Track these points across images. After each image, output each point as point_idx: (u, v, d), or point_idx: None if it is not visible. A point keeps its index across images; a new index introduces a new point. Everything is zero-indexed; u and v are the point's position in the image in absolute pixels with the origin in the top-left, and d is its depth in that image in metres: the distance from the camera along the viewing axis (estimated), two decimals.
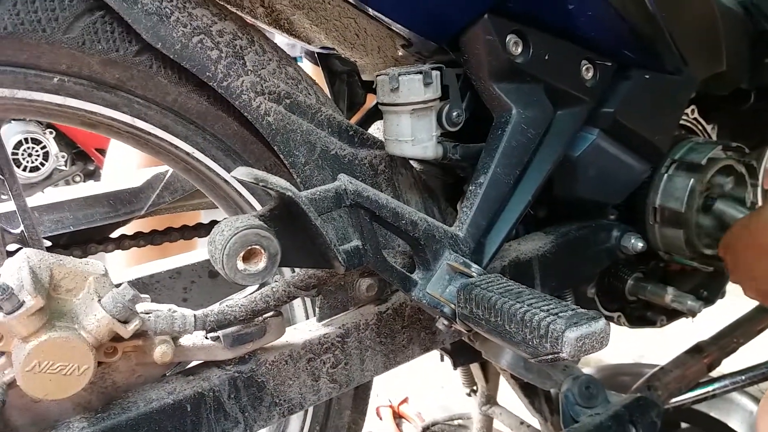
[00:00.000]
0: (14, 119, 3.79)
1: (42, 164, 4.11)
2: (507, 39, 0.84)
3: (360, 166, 0.89)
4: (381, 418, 2.20)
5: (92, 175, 4.45)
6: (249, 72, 0.79)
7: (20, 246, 0.93)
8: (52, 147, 4.13)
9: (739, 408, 1.69)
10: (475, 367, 1.64)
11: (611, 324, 1.14)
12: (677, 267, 1.23)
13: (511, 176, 0.88)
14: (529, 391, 1.44)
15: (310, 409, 1.00)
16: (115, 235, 1.28)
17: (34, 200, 1.17)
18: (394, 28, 0.83)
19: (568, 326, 0.64)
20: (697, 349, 1.30)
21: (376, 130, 1.17)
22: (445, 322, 0.81)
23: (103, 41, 0.73)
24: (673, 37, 0.96)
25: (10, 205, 0.96)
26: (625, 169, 1.04)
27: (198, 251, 1.48)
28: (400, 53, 0.92)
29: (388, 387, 2.27)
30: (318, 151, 0.84)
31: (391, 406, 2.22)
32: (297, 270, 0.85)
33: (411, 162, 0.96)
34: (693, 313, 1.14)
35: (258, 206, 0.91)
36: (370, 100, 1.27)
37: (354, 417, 1.05)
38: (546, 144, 0.90)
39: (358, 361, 0.89)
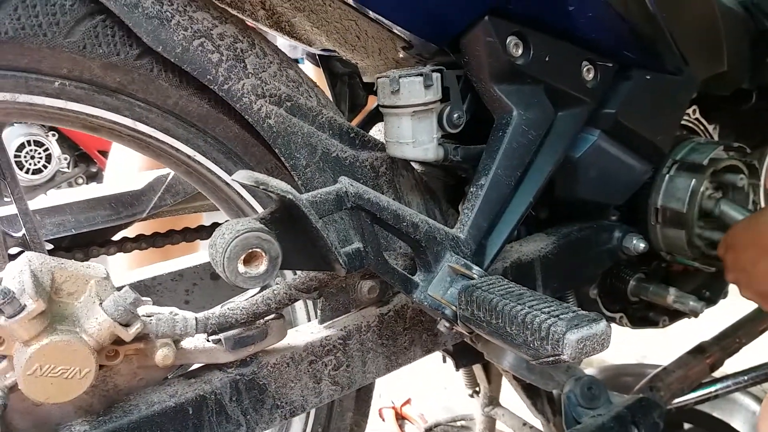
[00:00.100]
0: (16, 122, 3.80)
1: (45, 166, 4.11)
2: (507, 40, 0.84)
3: (361, 168, 0.89)
4: (384, 420, 2.19)
5: (95, 177, 4.45)
6: (250, 75, 0.80)
7: (22, 249, 0.93)
8: (55, 149, 4.14)
9: (741, 408, 1.69)
10: (477, 369, 1.64)
11: (613, 324, 1.14)
12: (679, 267, 1.23)
13: (512, 178, 0.88)
14: (531, 392, 1.44)
15: (312, 411, 1.00)
16: (117, 237, 1.28)
17: (35, 203, 1.18)
18: (394, 31, 0.83)
19: (569, 328, 0.64)
20: (699, 350, 1.30)
21: (377, 132, 1.17)
22: (447, 324, 0.81)
23: (103, 45, 0.74)
24: (674, 38, 0.96)
25: (11, 209, 0.96)
26: (626, 170, 1.04)
27: (200, 253, 1.48)
28: (400, 55, 0.92)
29: (390, 388, 2.27)
30: (319, 153, 0.84)
31: (393, 408, 2.22)
32: (298, 272, 0.85)
33: (412, 164, 0.96)
34: (695, 314, 1.14)
35: (259, 208, 0.91)
36: (372, 102, 1.27)
37: (356, 419, 1.05)
38: (547, 145, 0.90)
39: (360, 363, 0.89)
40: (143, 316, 0.71)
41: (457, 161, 0.89)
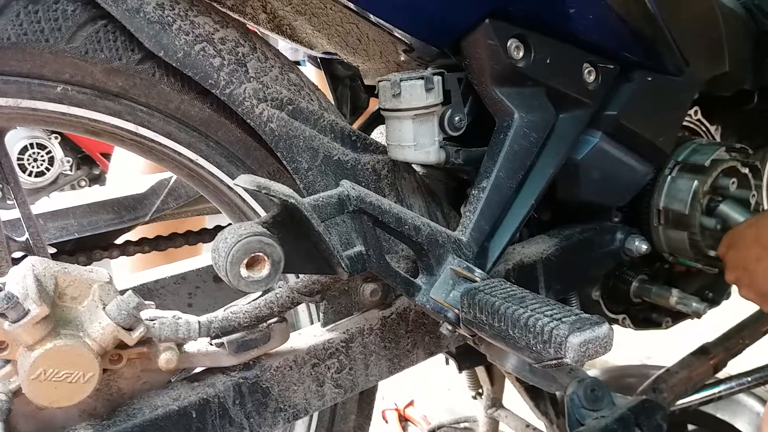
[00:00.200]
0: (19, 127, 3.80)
1: (47, 169, 4.12)
2: (508, 43, 0.84)
3: (363, 172, 0.89)
4: (387, 422, 2.20)
5: (97, 179, 4.46)
6: (251, 79, 0.80)
7: (25, 253, 0.93)
8: (57, 152, 4.15)
9: (745, 409, 1.68)
10: (480, 370, 1.64)
11: (616, 326, 1.14)
12: (682, 268, 1.23)
13: (513, 180, 0.88)
14: (534, 393, 1.44)
15: (315, 414, 1.00)
16: (119, 241, 1.29)
17: (38, 207, 1.18)
18: (395, 34, 0.84)
19: (572, 331, 0.64)
20: (703, 351, 1.29)
21: (378, 134, 1.17)
22: (449, 327, 0.81)
23: (105, 50, 0.74)
24: (675, 39, 0.96)
25: (14, 213, 0.96)
26: (628, 172, 1.04)
27: (202, 256, 1.48)
28: (402, 58, 0.92)
29: (393, 390, 2.27)
30: (321, 156, 0.85)
31: (396, 409, 2.22)
32: (300, 276, 0.85)
33: (414, 166, 0.96)
34: (698, 315, 1.13)
35: (261, 211, 0.91)
36: (373, 105, 1.27)
37: (359, 421, 1.05)
38: (549, 147, 0.90)
39: (363, 366, 0.89)
40: (146, 320, 0.72)
41: (459, 164, 0.89)
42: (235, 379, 0.79)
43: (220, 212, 1.01)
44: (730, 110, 1.25)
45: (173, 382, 0.79)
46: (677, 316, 1.24)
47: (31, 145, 4.04)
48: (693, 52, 1.00)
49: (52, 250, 1.12)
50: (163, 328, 0.73)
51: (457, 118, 0.87)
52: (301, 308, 1.00)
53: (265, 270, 0.65)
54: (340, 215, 0.72)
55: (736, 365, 1.33)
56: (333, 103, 1.07)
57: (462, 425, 2.07)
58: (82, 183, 4.45)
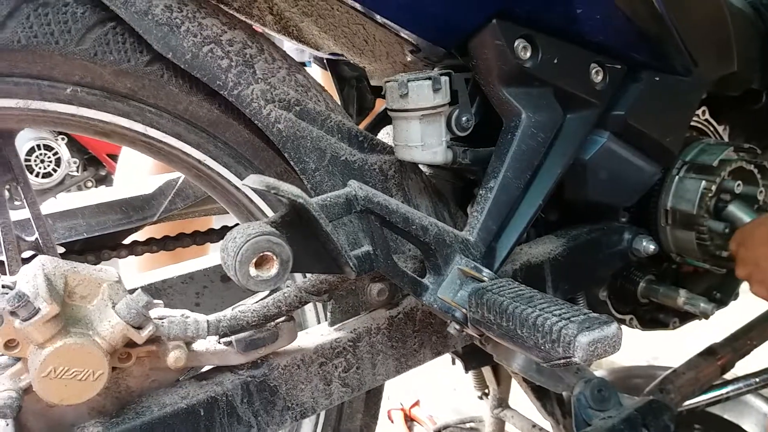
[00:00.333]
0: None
1: (54, 170, 4.14)
2: (515, 44, 0.84)
3: (370, 172, 0.89)
4: (392, 421, 2.20)
5: (104, 180, 4.48)
6: (259, 80, 0.80)
7: (35, 253, 0.94)
8: (64, 153, 4.16)
9: (752, 410, 1.68)
10: (486, 370, 1.63)
11: (623, 326, 1.14)
12: (689, 269, 1.23)
13: (521, 180, 0.88)
14: (541, 394, 1.44)
15: (322, 413, 1.00)
16: (128, 241, 1.29)
17: (47, 208, 1.19)
18: (402, 35, 0.84)
19: (580, 331, 0.65)
20: (710, 351, 1.29)
21: (385, 135, 1.17)
22: (457, 327, 0.81)
23: (114, 52, 0.74)
24: (683, 39, 0.96)
25: (24, 213, 0.97)
26: (636, 172, 1.04)
27: (210, 256, 1.49)
28: (408, 59, 0.92)
29: (399, 390, 2.27)
30: (328, 157, 0.85)
31: (402, 409, 2.22)
32: (308, 275, 0.86)
33: (420, 167, 0.97)
34: (706, 315, 1.13)
35: (269, 212, 0.91)
36: (379, 105, 1.28)
37: (366, 420, 1.05)
38: (556, 148, 0.90)
39: (370, 365, 0.89)
40: (155, 318, 0.72)
41: (466, 164, 0.90)
42: (243, 378, 0.79)
43: (228, 212, 1.01)
44: (738, 110, 1.25)
45: (182, 381, 0.79)
46: (685, 317, 1.24)
47: (39, 146, 4.06)
48: (701, 52, 1.00)
49: (61, 250, 1.13)
50: (172, 327, 0.73)
51: (464, 119, 0.87)
52: (308, 308, 1.00)
53: (273, 269, 0.66)
54: (347, 215, 0.73)
55: (743, 366, 1.32)
56: (339, 104, 1.07)
57: (468, 425, 2.07)
58: (89, 184, 4.47)
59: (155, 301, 0.71)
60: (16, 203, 0.99)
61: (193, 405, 0.76)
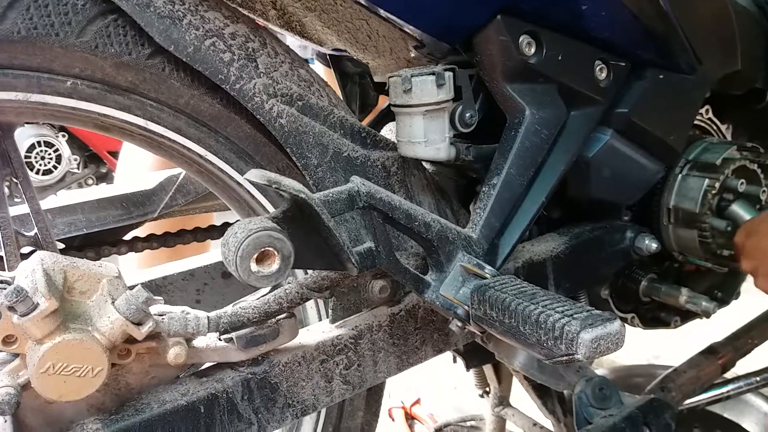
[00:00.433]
0: (28, 123, 3.83)
1: (55, 167, 4.14)
2: (520, 39, 0.84)
3: (372, 168, 0.88)
4: (393, 419, 2.19)
5: (104, 177, 4.47)
6: (261, 74, 0.80)
7: (34, 248, 0.94)
8: (65, 150, 4.16)
9: (753, 409, 1.67)
10: (487, 368, 1.63)
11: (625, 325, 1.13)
12: (691, 268, 1.22)
13: (524, 177, 0.87)
14: (542, 392, 1.43)
15: (323, 411, 1.00)
16: (128, 237, 1.29)
17: (47, 203, 1.18)
18: (406, 30, 0.83)
19: (583, 327, 0.64)
20: (711, 350, 1.28)
21: (388, 131, 1.16)
22: (459, 324, 0.81)
23: (115, 44, 0.74)
24: (687, 37, 0.96)
25: (23, 208, 0.96)
26: (639, 170, 1.03)
27: (211, 253, 1.48)
28: (412, 54, 0.91)
29: (400, 388, 2.26)
30: (330, 153, 0.84)
31: (403, 407, 2.22)
32: (310, 271, 0.85)
33: (423, 163, 0.96)
34: (707, 314, 1.13)
35: (270, 207, 0.91)
36: (382, 102, 1.27)
37: (367, 418, 1.05)
38: (560, 145, 0.90)
39: (371, 362, 0.89)
40: (155, 314, 0.72)
41: (469, 161, 0.89)
42: (244, 375, 0.79)
43: (229, 209, 1.00)
44: (741, 109, 1.24)
45: (182, 377, 0.79)
46: (686, 316, 1.24)
47: (39, 143, 4.06)
48: (705, 50, 0.99)
49: (60, 246, 1.12)
50: (172, 323, 0.72)
51: (467, 115, 0.86)
52: (310, 304, 1.00)
53: (275, 265, 0.65)
54: (350, 211, 0.72)
55: (744, 365, 1.32)
56: (342, 99, 1.07)
57: (469, 424, 2.07)
58: (89, 181, 4.47)
59: (155, 297, 0.71)
60: (16, 200, 0.98)
61: (194, 402, 0.75)
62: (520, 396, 1.57)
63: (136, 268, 1.68)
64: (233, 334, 0.77)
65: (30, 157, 4.01)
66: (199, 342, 0.77)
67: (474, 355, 1.25)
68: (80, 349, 0.65)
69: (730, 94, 1.18)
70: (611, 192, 1.03)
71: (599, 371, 1.65)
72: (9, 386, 0.66)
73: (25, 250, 0.96)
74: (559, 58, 0.87)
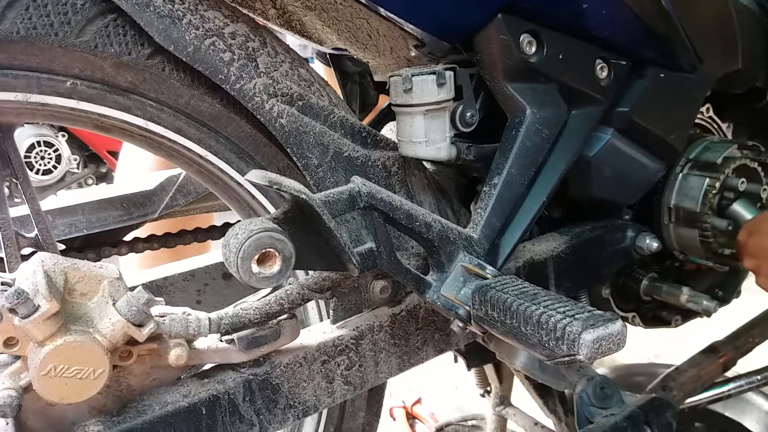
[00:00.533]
0: (28, 123, 3.82)
1: (54, 167, 4.13)
2: (521, 39, 0.83)
3: (373, 168, 0.88)
4: (394, 419, 2.19)
5: (104, 177, 4.47)
6: (262, 74, 0.79)
7: (34, 250, 0.93)
8: (65, 150, 4.16)
9: (754, 408, 1.68)
10: (488, 368, 1.63)
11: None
12: (692, 266, 1.22)
13: (525, 177, 0.87)
14: (543, 391, 1.43)
15: (325, 411, 1.00)
16: (128, 238, 1.28)
17: (47, 204, 1.18)
18: (406, 29, 0.83)
19: (585, 328, 0.64)
20: (712, 349, 1.28)
21: (389, 131, 1.16)
22: (460, 324, 0.81)
23: (115, 44, 0.73)
24: (688, 35, 0.96)
25: (24, 209, 0.96)
26: (639, 169, 1.03)
27: (211, 253, 1.48)
28: (412, 54, 0.91)
29: (401, 387, 2.26)
30: (331, 152, 0.84)
31: (404, 407, 2.22)
32: (311, 272, 0.85)
33: (424, 163, 0.96)
34: (708, 313, 1.13)
35: (271, 208, 0.91)
36: (383, 101, 1.27)
37: (368, 418, 1.05)
38: (560, 144, 0.90)
39: (373, 363, 0.88)
40: (156, 316, 0.71)
41: (470, 160, 0.89)
42: (245, 376, 0.78)
43: (229, 209, 1.00)
44: (742, 107, 1.24)
45: (183, 379, 0.79)
46: (687, 315, 1.24)
47: (39, 143, 4.06)
48: (706, 49, 0.99)
49: (60, 247, 1.12)
50: (173, 325, 0.72)
51: (468, 114, 0.86)
52: (311, 305, 1.00)
53: (276, 266, 0.65)
54: (350, 212, 0.72)
55: (745, 364, 1.32)
56: (342, 99, 1.07)
57: (470, 423, 2.07)
58: (89, 181, 4.47)
59: (156, 298, 0.70)
60: (16, 200, 0.98)
61: (195, 403, 0.75)
62: (522, 395, 1.57)
63: (136, 268, 1.68)
64: (234, 336, 0.77)
65: (30, 157, 4.01)
66: (200, 343, 0.76)
67: (475, 355, 1.25)
68: (81, 351, 0.65)
69: (730, 93, 1.18)
70: (612, 191, 1.03)
71: (600, 370, 1.65)
72: (10, 388, 0.66)
73: (26, 251, 0.96)
74: (560, 57, 0.87)
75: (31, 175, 3.93)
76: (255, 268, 0.64)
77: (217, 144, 0.84)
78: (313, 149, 0.83)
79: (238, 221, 0.80)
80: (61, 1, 0.70)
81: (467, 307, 0.77)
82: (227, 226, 1.36)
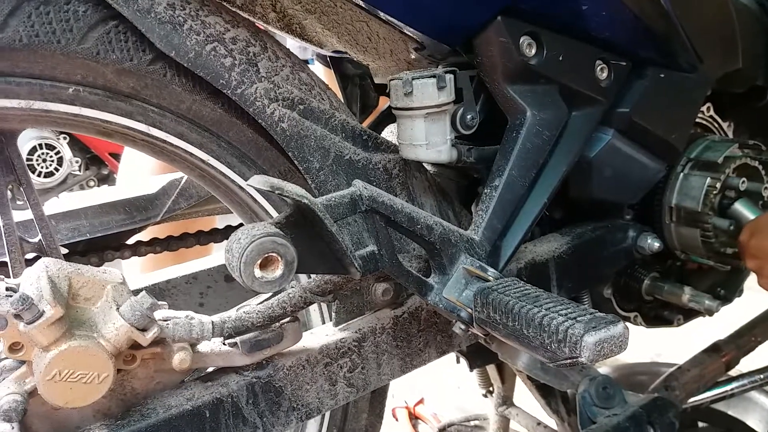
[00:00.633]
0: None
1: (56, 169, 4.13)
2: (520, 41, 0.84)
3: (374, 171, 0.89)
4: (397, 419, 2.19)
5: (106, 179, 4.47)
6: (262, 79, 0.80)
7: (38, 255, 0.94)
8: (66, 152, 4.16)
9: (757, 407, 1.68)
10: (491, 368, 1.63)
11: (628, 323, 1.14)
12: (694, 266, 1.23)
13: (526, 178, 0.87)
14: (545, 391, 1.44)
15: (327, 413, 1.00)
16: (131, 241, 1.29)
17: (50, 208, 1.18)
18: (406, 32, 0.83)
19: (587, 330, 0.64)
20: (714, 348, 1.29)
21: (389, 133, 1.16)
22: (462, 326, 0.81)
23: (117, 51, 0.74)
24: (688, 35, 0.96)
25: (27, 214, 0.96)
26: (640, 169, 1.03)
27: (213, 256, 1.48)
28: (412, 56, 0.91)
29: (404, 388, 2.27)
30: (332, 156, 0.85)
31: (407, 407, 2.22)
32: (313, 275, 0.85)
33: (425, 165, 0.96)
34: (710, 312, 1.13)
35: (272, 211, 0.91)
36: (383, 103, 1.27)
37: (371, 420, 1.05)
38: (561, 145, 0.90)
39: (375, 365, 0.89)
40: (160, 320, 0.72)
41: (471, 162, 0.89)
42: (249, 379, 0.79)
43: (231, 212, 1.01)
44: (742, 107, 1.24)
45: (186, 382, 0.79)
46: (689, 314, 1.24)
47: (40, 145, 4.06)
48: (706, 49, 0.99)
49: (64, 251, 1.13)
50: (177, 329, 0.73)
51: (469, 117, 0.86)
52: (313, 308, 1.00)
53: (278, 270, 0.65)
54: (352, 215, 0.72)
55: (747, 363, 1.32)
56: (343, 102, 1.07)
57: (472, 423, 2.07)
58: (91, 183, 4.46)
59: (159, 302, 0.71)
60: (18, 202, 0.98)
61: (199, 406, 0.75)
62: (524, 395, 1.57)
63: (139, 272, 1.68)
64: (237, 339, 0.77)
65: (31, 160, 4.01)
66: (203, 347, 0.77)
67: (477, 356, 1.25)
68: (86, 356, 0.66)
69: (731, 92, 1.18)
70: (613, 191, 1.03)
71: (602, 370, 1.65)
72: (16, 393, 0.66)
73: (30, 256, 0.96)
74: (560, 58, 0.87)
75: (33, 177, 3.94)
76: (258, 272, 0.64)
77: (218, 148, 0.84)
78: (314, 153, 0.83)
79: (240, 225, 0.80)
80: (63, 9, 0.70)
81: (469, 310, 0.78)
82: (229, 228, 1.37)
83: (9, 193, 0.89)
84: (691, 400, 1.28)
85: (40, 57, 0.71)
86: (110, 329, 0.67)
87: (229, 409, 0.78)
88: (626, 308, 1.20)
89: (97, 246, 1.22)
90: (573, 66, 0.89)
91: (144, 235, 1.32)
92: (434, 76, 0.82)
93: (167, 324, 0.72)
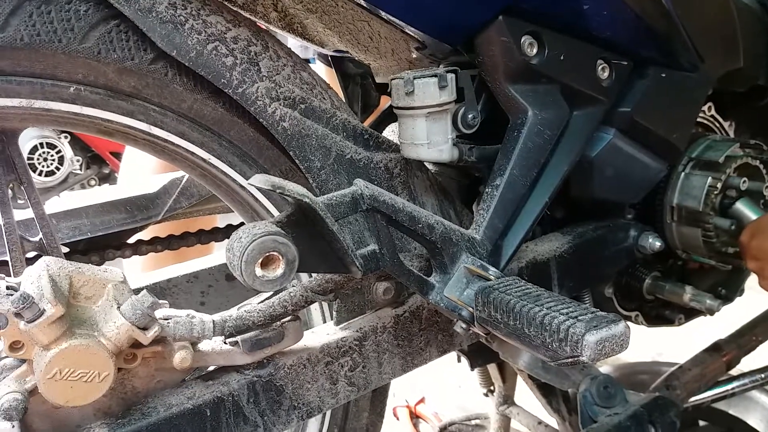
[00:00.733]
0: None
1: (57, 168, 4.13)
2: (522, 40, 0.84)
3: (375, 170, 0.89)
4: (398, 419, 2.19)
5: (107, 178, 4.47)
6: (264, 78, 0.80)
7: (39, 253, 0.94)
8: (67, 151, 4.16)
9: (758, 406, 1.68)
10: (492, 367, 1.63)
11: (629, 323, 1.14)
12: (695, 265, 1.22)
13: (527, 177, 0.87)
14: (546, 391, 1.44)
15: (328, 412, 1.00)
16: (132, 240, 1.29)
17: (51, 207, 1.18)
18: (407, 31, 0.83)
19: (588, 330, 0.64)
20: (716, 348, 1.29)
21: (390, 132, 1.16)
22: (463, 326, 0.81)
23: (118, 50, 0.74)
24: (689, 34, 0.96)
25: (28, 213, 0.96)
26: (641, 169, 1.03)
27: (215, 255, 1.49)
28: (414, 56, 0.91)
29: (405, 387, 2.26)
30: (333, 155, 0.85)
31: (408, 407, 2.22)
32: (314, 274, 0.85)
33: (426, 164, 0.96)
34: (711, 312, 1.13)
35: (273, 210, 0.91)
36: (384, 102, 1.27)
37: (372, 419, 1.05)
38: (562, 145, 0.90)
39: (376, 364, 0.89)
40: (161, 319, 0.72)
41: (472, 162, 0.89)
42: (249, 378, 0.79)
43: (232, 211, 1.01)
44: (744, 106, 1.24)
45: (187, 381, 0.79)
46: (690, 313, 1.24)
47: (41, 144, 4.06)
48: (707, 48, 0.99)
49: (65, 250, 1.13)
50: (178, 327, 0.73)
51: (470, 116, 0.86)
52: (314, 307, 1.00)
53: (279, 269, 0.65)
54: (353, 214, 0.72)
55: (748, 362, 1.32)
56: (344, 101, 1.07)
57: (473, 422, 2.07)
58: (92, 182, 4.47)
59: (160, 301, 0.71)
60: (19, 201, 0.98)
61: (200, 405, 0.75)
62: (525, 395, 1.57)
63: (140, 271, 1.68)
64: (238, 338, 0.77)
65: (32, 159, 4.01)
66: (204, 345, 0.77)
67: (478, 355, 1.25)
68: (87, 355, 0.66)
69: (732, 91, 1.18)
70: (614, 191, 1.03)
71: (603, 369, 1.65)
72: (16, 392, 0.66)
73: (30, 254, 0.96)
74: (561, 58, 0.87)
75: (34, 176, 3.94)
76: (259, 271, 0.64)
77: (220, 147, 0.84)
78: (315, 152, 0.83)
79: (242, 224, 0.80)
80: (64, 8, 0.70)
81: (470, 309, 0.78)
82: (230, 227, 1.37)
83: (10, 192, 0.89)
84: (692, 399, 1.28)
85: (42, 56, 0.71)
86: (111, 328, 0.67)
87: (230, 408, 0.78)
88: (627, 307, 1.20)
89: (98, 245, 1.22)
90: (574, 65, 0.89)
91: (145, 234, 1.32)
92: (436, 76, 0.82)
93: (168, 323, 0.72)
